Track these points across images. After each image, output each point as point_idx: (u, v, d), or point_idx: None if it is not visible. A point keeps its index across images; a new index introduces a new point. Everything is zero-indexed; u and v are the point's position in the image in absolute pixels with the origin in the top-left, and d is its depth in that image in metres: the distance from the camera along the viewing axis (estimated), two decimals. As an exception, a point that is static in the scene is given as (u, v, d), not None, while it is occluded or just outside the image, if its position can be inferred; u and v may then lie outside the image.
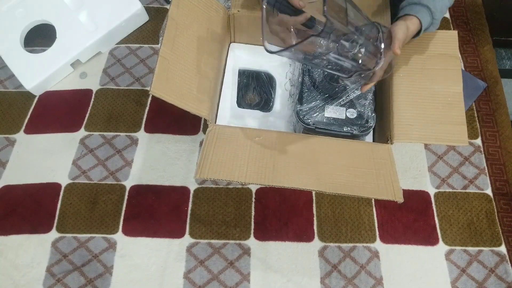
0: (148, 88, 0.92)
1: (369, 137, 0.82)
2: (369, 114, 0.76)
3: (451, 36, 0.77)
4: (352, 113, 0.76)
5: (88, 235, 0.81)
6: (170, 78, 0.68)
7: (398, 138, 0.71)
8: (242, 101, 0.88)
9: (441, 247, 0.81)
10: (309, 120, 0.76)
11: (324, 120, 0.76)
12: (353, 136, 0.76)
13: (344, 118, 0.76)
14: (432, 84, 0.74)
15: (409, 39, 0.69)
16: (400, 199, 0.65)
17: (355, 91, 0.77)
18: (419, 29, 0.69)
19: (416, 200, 0.85)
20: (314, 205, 0.84)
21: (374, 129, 0.81)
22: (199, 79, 0.73)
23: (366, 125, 0.76)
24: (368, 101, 0.77)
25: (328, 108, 0.76)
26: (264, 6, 0.59)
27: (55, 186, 0.86)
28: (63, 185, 0.86)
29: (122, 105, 0.95)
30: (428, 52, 0.77)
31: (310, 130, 0.76)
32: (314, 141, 0.73)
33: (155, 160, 0.88)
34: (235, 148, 0.70)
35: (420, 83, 0.75)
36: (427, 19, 0.69)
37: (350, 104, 0.77)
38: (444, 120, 0.72)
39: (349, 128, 0.75)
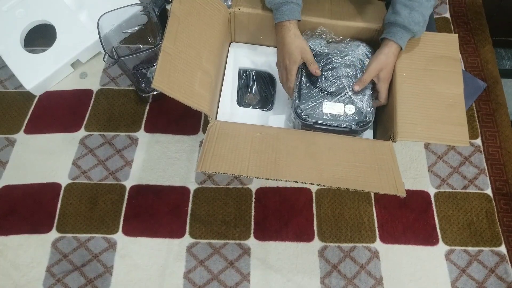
0: (148, 88, 0.92)
1: (368, 134, 0.82)
2: (368, 109, 0.76)
3: (452, 40, 0.78)
4: (350, 109, 0.76)
5: (88, 235, 0.81)
6: (171, 72, 0.67)
7: (402, 136, 0.70)
8: (242, 100, 0.88)
9: (441, 247, 0.81)
10: (307, 117, 0.75)
11: (323, 116, 0.75)
12: (351, 132, 0.76)
13: (342, 113, 0.76)
14: (434, 85, 0.74)
15: (393, 60, 0.74)
16: (402, 193, 0.64)
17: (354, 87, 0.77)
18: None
19: (416, 200, 0.85)
20: (314, 205, 0.84)
21: (375, 128, 0.81)
22: (201, 74, 0.72)
23: (364, 120, 0.75)
24: (367, 97, 0.77)
25: (327, 104, 0.76)
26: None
27: (55, 186, 0.86)
28: (63, 185, 0.86)
29: (122, 105, 0.95)
30: (431, 53, 0.77)
31: (309, 126, 0.76)
32: (316, 136, 0.73)
33: (155, 160, 0.88)
34: (236, 143, 0.70)
35: (423, 83, 0.75)
36: (406, 37, 0.73)
37: (349, 100, 0.76)
38: (445, 120, 0.72)
39: (347, 124, 0.75)
